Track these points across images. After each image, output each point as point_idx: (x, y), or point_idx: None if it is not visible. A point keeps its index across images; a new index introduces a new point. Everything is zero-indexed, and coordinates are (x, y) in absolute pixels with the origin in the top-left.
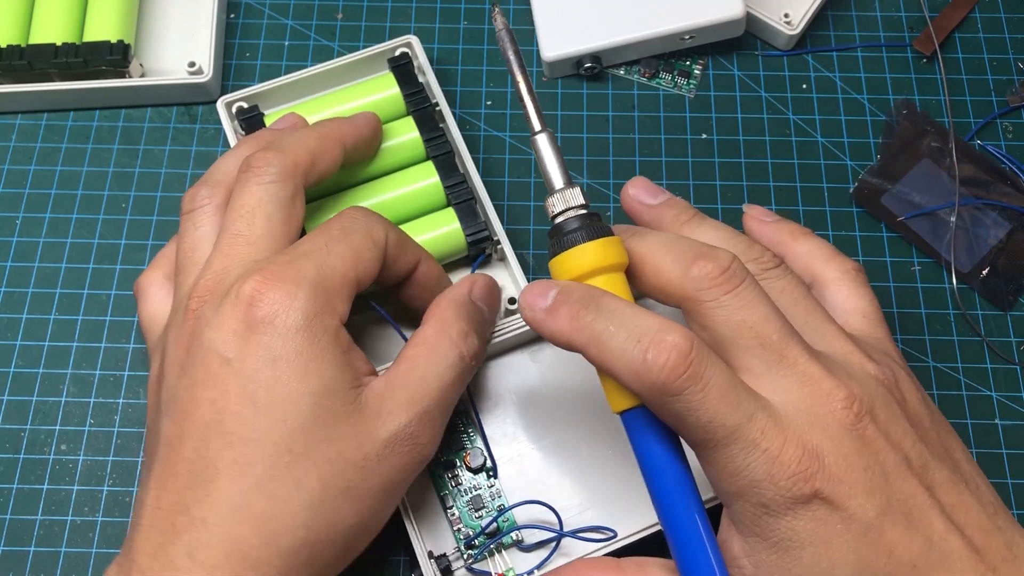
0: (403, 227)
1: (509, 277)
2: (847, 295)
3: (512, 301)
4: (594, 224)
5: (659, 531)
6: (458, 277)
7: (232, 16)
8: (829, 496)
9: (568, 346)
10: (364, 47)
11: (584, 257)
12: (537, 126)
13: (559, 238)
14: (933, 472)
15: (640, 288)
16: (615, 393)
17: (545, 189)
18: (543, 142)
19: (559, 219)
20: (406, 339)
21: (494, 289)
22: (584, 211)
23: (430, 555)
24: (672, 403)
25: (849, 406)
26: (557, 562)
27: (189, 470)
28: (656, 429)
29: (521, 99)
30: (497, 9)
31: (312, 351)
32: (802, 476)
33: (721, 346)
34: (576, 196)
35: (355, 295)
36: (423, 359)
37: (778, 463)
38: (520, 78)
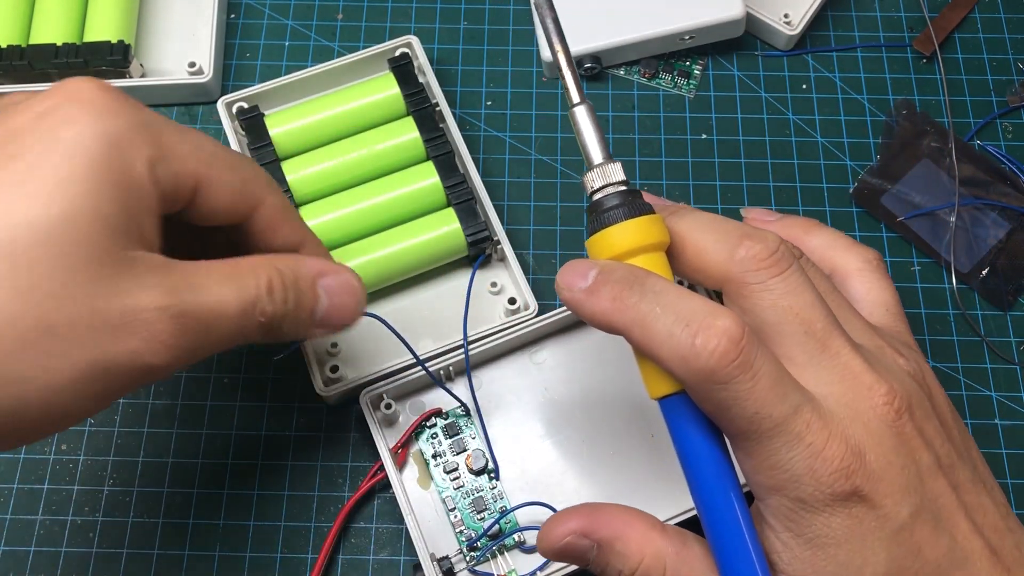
0: (403, 227)
1: (509, 277)
2: (870, 287)
3: (512, 301)
4: (635, 201)
5: None
6: (458, 277)
7: (232, 16)
8: (868, 494)
9: (609, 327)
10: (364, 47)
11: (625, 235)
12: (576, 98)
13: (598, 215)
14: (958, 472)
15: (679, 269)
16: (655, 378)
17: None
18: (582, 114)
19: (597, 196)
20: (410, 348)
21: (351, 292)
22: (624, 187)
23: (432, 557)
24: (718, 391)
25: (890, 402)
26: (560, 563)
27: None
28: (696, 417)
29: (559, 69)
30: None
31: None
32: (844, 473)
33: (763, 333)
34: (616, 171)
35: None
36: (223, 273)
37: (821, 458)
38: (559, 47)
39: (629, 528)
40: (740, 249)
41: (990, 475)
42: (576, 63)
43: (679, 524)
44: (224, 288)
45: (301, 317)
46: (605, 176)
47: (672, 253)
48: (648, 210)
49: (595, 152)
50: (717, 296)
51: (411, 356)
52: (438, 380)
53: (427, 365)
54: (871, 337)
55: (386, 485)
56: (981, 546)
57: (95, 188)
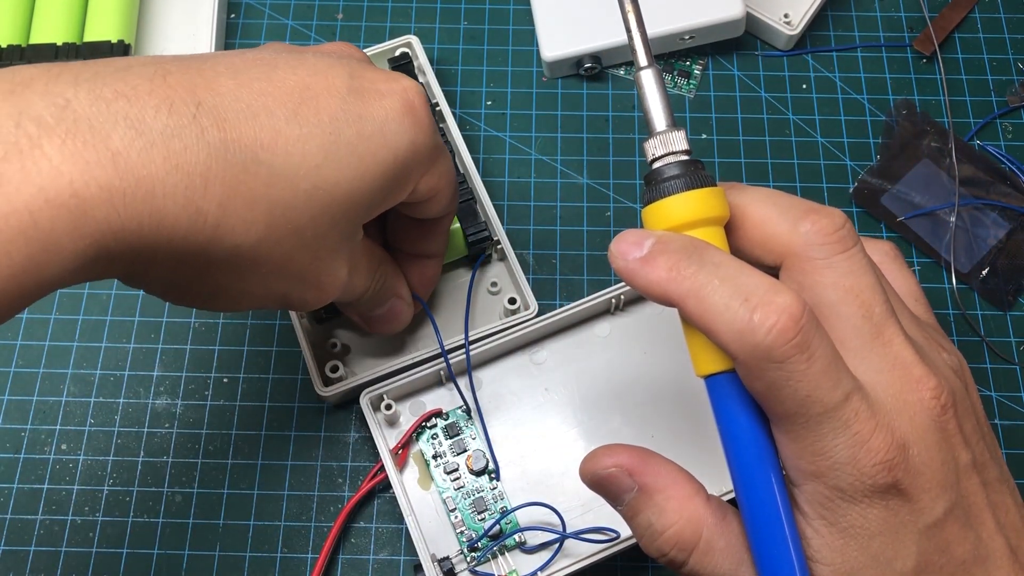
0: None
1: (509, 277)
2: (894, 277)
3: (512, 301)
4: (697, 172)
5: None
6: (458, 277)
7: (232, 16)
8: (906, 488)
9: (664, 298)
10: (364, 47)
11: (685, 207)
12: (644, 60)
13: (656, 185)
14: (989, 470)
15: (738, 243)
16: (704, 354)
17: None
18: (648, 78)
19: (657, 164)
20: (440, 338)
21: (397, 319)
22: (686, 156)
23: (433, 557)
24: (772, 370)
25: (937, 396)
26: (560, 564)
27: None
28: (743, 398)
29: (628, 29)
30: None
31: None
32: (887, 466)
33: (819, 312)
34: (679, 140)
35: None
36: (368, 269)
37: (866, 449)
38: (630, 5)
39: (676, 486)
40: (805, 222)
41: (1009, 474)
42: (576, 63)
43: None
44: (364, 279)
45: (363, 313)
46: (667, 144)
47: (731, 227)
48: (710, 182)
49: (658, 118)
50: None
51: (414, 355)
52: (452, 375)
53: (428, 365)
54: (918, 328)
55: (386, 485)
56: (1002, 544)
57: (383, 185)
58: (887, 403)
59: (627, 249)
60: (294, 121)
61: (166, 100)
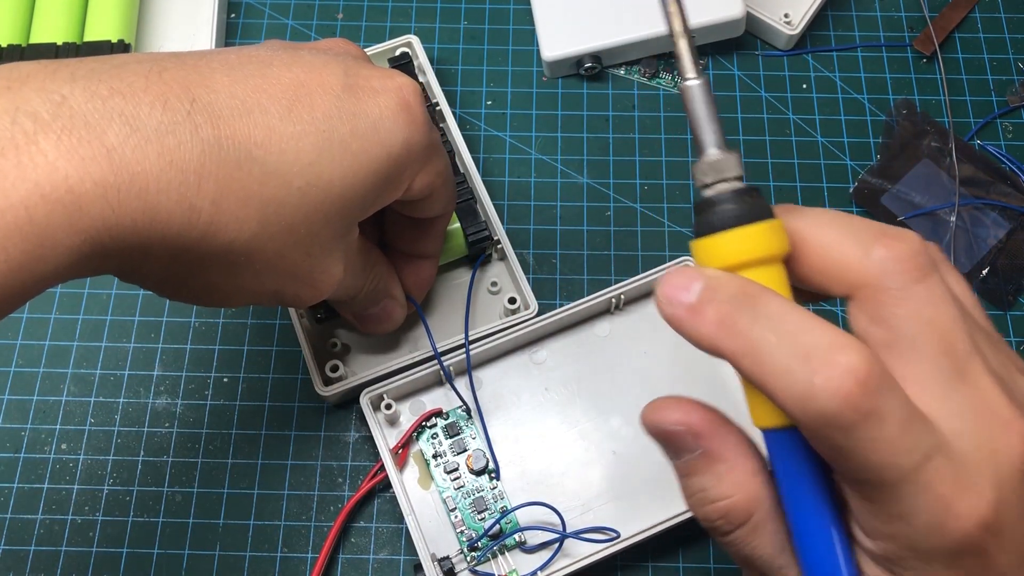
0: None
1: (509, 277)
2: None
3: (512, 301)
4: (755, 202)
5: (662, 531)
6: (458, 277)
7: (232, 16)
8: (987, 548)
9: (715, 353)
10: (365, 47)
11: (740, 244)
12: (691, 72)
13: (708, 216)
14: None
15: (799, 273)
16: (762, 408)
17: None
18: (695, 92)
19: (708, 192)
20: (432, 340)
21: (389, 319)
22: (740, 184)
23: (433, 557)
24: (838, 437)
25: None
26: (560, 563)
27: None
28: (805, 454)
29: (674, 39)
30: None
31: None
32: (972, 532)
33: (895, 348)
34: (731, 165)
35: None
36: (361, 270)
37: (952, 514)
38: (674, 8)
39: (742, 458)
40: (878, 248)
41: None
42: (576, 63)
43: (675, 527)
44: (358, 277)
45: (356, 312)
46: (718, 170)
47: (792, 255)
48: (768, 213)
49: (708, 138)
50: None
51: (413, 355)
52: (449, 376)
53: (428, 364)
54: (997, 355)
55: (386, 485)
56: None
57: (377, 183)
58: (973, 455)
59: (674, 293)
60: (288, 118)
61: (161, 97)
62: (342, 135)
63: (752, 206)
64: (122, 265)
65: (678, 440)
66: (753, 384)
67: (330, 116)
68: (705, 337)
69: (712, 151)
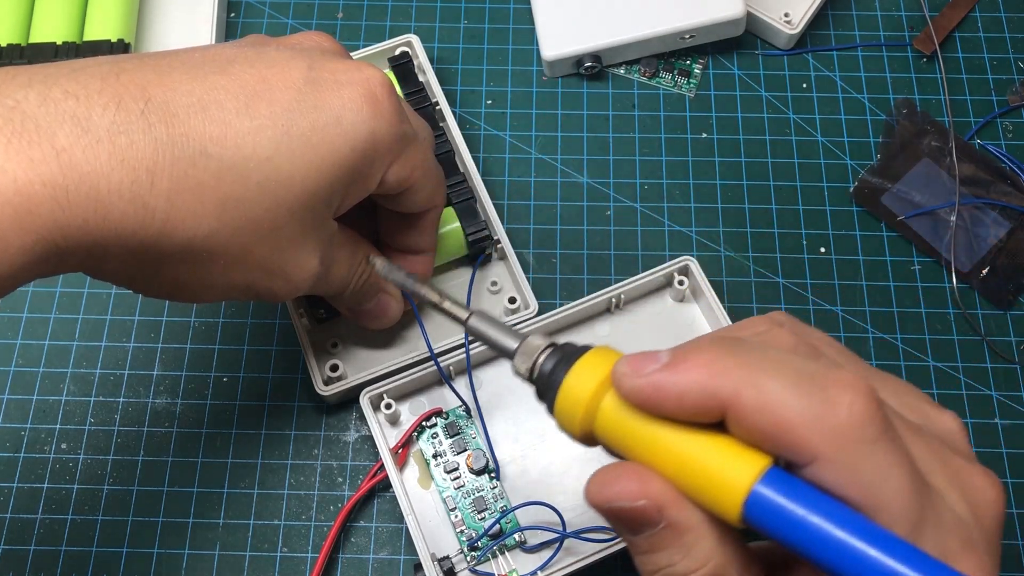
0: None
1: (509, 277)
2: (804, 333)
3: (512, 300)
4: (566, 346)
5: None
6: (458, 276)
7: (232, 16)
8: None
9: (707, 399)
10: (364, 46)
11: (586, 374)
12: (463, 314)
13: (547, 385)
14: None
15: (735, 432)
16: (733, 465)
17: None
18: (476, 323)
19: (534, 373)
20: (427, 340)
21: (385, 314)
22: (551, 347)
23: (433, 557)
24: (865, 456)
25: (998, 502)
26: (560, 563)
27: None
28: (809, 492)
29: (436, 305)
30: (375, 260)
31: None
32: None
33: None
34: (534, 342)
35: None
36: (348, 264)
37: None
38: (423, 290)
39: (707, 524)
40: (836, 406)
41: None
42: (576, 62)
43: None
44: (343, 272)
45: (351, 307)
46: (529, 354)
47: (729, 414)
48: (585, 348)
49: (507, 342)
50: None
51: (413, 354)
52: (446, 376)
53: (428, 364)
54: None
55: (386, 485)
56: None
57: (341, 176)
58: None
59: (639, 365)
60: (245, 114)
61: (115, 97)
62: (302, 129)
63: (569, 350)
64: (83, 264)
65: (639, 516)
66: (757, 424)
67: (290, 110)
68: (695, 383)
69: (515, 347)
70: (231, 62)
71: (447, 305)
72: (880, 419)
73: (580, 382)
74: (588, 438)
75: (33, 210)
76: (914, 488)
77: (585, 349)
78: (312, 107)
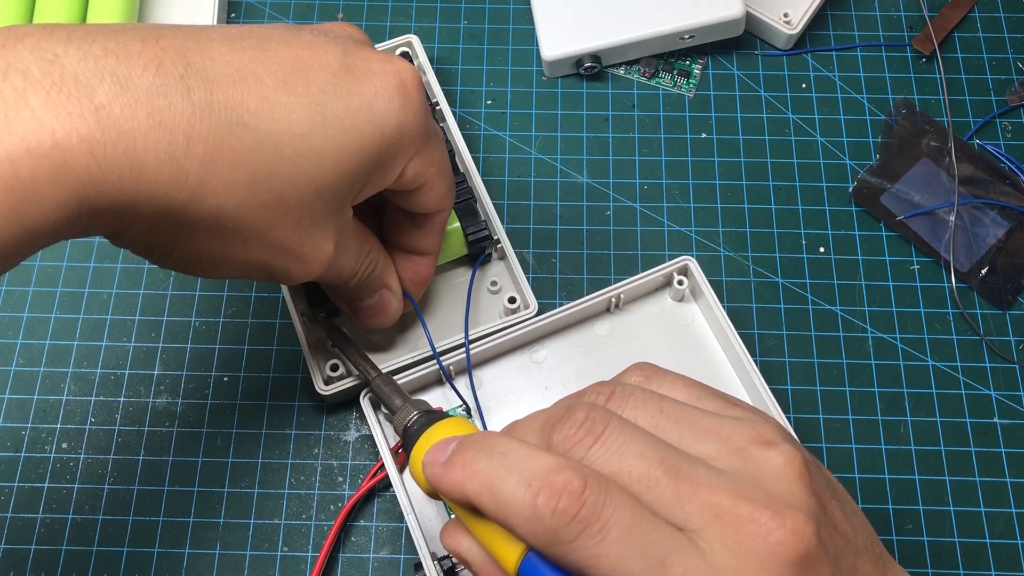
0: None
1: (509, 276)
2: (663, 387)
3: (512, 300)
4: (431, 412)
5: None
6: (458, 276)
7: (233, 16)
8: None
9: (465, 499)
10: None
11: (435, 436)
12: (372, 373)
13: (410, 438)
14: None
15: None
16: (503, 546)
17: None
18: (380, 384)
19: (405, 432)
20: (431, 339)
21: (385, 311)
22: (423, 413)
23: (434, 556)
24: (570, 552)
25: (784, 540)
26: None
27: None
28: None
29: (357, 365)
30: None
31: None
32: None
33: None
34: (411, 407)
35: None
36: (358, 252)
37: None
38: (354, 359)
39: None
40: (539, 509)
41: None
42: (576, 62)
43: None
44: (352, 261)
45: (352, 301)
46: (406, 415)
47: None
48: (444, 415)
49: (396, 405)
50: None
51: (413, 354)
52: (448, 376)
53: (428, 363)
54: (731, 454)
55: (387, 484)
56: None
57: (368, 161)
58: (725, 558)
59: (434, 456)
60: (282, 89)
61: (155, 59)
62: (336, 110)
63: (432, 414)
64: (110, 225)
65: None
66: (499, 521)
67: (325, 91)
68: (455, 483)
69: (399, 407)
70: (268, 39)
71: (362, 365)
72: (571, 517)
73: (422, 450)
74: (432, 492)
75: (69, 163)
76: (652, 466)
77: (444, 415)
78: (347, 91)
